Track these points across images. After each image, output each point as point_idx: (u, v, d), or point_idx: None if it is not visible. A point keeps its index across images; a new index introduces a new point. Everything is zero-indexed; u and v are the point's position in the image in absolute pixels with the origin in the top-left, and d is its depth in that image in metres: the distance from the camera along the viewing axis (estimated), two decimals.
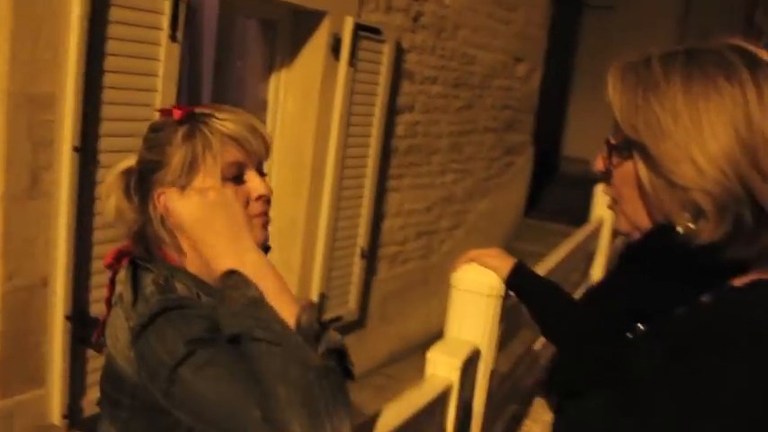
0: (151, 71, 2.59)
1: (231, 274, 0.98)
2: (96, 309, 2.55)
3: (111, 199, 1.12)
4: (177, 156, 1.06)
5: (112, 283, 1.13)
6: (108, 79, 2.45)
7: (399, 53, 4.17)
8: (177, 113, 1.09)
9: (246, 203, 1.09)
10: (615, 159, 0.88)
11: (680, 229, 0.80)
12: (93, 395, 2.59)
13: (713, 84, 0.79)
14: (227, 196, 1.05)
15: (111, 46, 2.43)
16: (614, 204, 0.93)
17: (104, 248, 2.51)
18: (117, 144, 2.49)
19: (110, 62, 2.44)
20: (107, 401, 1.08)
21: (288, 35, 3.66)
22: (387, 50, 3.93)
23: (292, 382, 0.89)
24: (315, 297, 3.82)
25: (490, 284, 1.72)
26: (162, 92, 2.61)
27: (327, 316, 3.89)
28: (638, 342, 0.88)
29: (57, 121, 2.34)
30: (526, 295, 1.65)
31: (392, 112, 4.24)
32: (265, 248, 1.10)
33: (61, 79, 2.32)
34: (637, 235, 0.90)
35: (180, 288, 1.06)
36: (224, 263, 0.99)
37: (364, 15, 3.79)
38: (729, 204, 0.77)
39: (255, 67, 3.70)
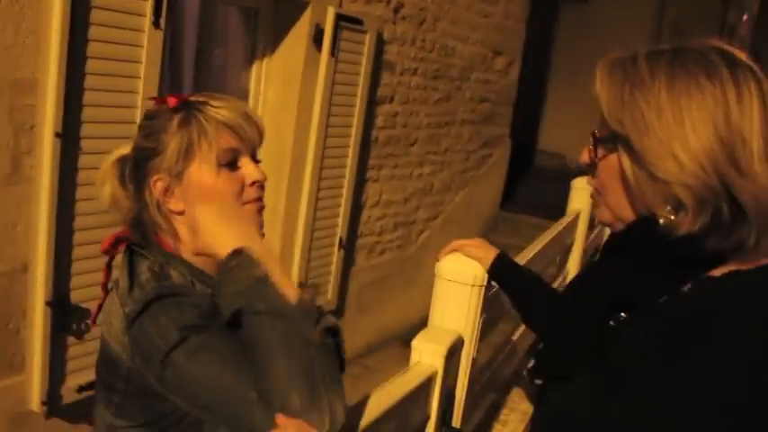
0: (134, 57, 2.57)
1: (238, 253, 0.99)
2: (77, 295, 2.54)
3: (106, 186, 1.13)
4: (173, 143, 1.08)
5: (109, 268, 1.14)
6: (90, 65, 2.43)
7: (380, 44, 4.18)
8: (172, 101, 1.11)
9: (241, 189, 1.11)
10: (600, 152, 0.91)
11: (661, 221, 0.83)
12: (72, 382, 2.58)
13: (695, 82, 0.82)
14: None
15: (93, 32, 2.41)
16: (597, 195, 0.95)
17: (85, 235, 2.50)
18: (99, 130, 2.48)
19: (92, 48, 2.42)
20: (102, 386, 1.09)
21: (269, 24, 3.65)
22: (368, 41, 3.93)
23: (294, 355, 0.91)
24: None
25: (474, 274, 1.76)
26: (144, 78, 2.60)
27: None
28: (620, 328, 0.92)
29: (38, 106, 2.33)
30: (508, 285, 1.69)
31: (372, 102, 4.25)
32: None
33: (43, 64, 2.30)
34: (619, 226, 0.93)
35: (175, 275, 1.08)
36: (229, 243, 1.01)
37: (345, 5, 3.79)
38: (708, 198, 0.81)
39: (237, 55, 3.69)
